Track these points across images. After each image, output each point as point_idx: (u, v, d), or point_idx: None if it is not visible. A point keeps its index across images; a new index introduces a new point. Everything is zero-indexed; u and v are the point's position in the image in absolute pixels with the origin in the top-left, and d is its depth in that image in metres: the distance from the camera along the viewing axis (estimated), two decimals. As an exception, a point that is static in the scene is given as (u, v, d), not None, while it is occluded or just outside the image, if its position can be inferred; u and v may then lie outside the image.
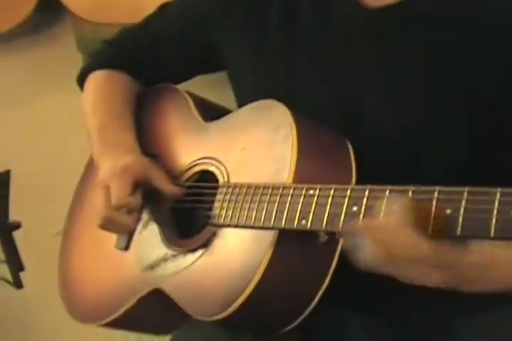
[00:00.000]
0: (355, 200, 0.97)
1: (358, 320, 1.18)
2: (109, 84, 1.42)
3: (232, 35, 1.29)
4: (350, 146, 1.12)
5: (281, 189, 1.07)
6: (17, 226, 1.51)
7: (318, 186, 1.02)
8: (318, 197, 1.02)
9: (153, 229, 1.27)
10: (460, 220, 0.88)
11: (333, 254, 1.06)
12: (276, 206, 1.06)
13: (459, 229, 0.88)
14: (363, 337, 1.18)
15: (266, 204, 1.08)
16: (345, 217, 0.97)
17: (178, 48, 1.40)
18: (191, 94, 1.36)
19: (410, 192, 0.93)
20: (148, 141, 1.35)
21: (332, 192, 1.00)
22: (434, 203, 0.91)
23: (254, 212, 1.09)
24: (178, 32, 1.39)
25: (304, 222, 1.02)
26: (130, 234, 1.30)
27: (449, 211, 0.89)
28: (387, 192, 0.95)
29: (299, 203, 1.03)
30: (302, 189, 1.04)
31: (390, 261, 0.92)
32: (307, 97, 1.20)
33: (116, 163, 1.25)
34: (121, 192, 1.22)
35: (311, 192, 1.03)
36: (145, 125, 1.39)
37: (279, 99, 1.15)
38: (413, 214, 0.91)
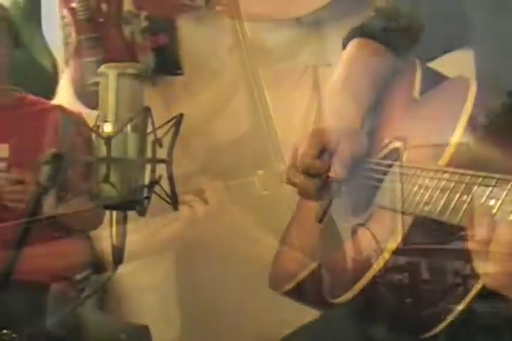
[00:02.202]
0: (468, 189, 0.81)
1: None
2: (359, 53, 1.38)
3: None
4: None
5: (431, 172, 0.94)
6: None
7: (451, 169, 0.88)
8: (447, 182, 0.87)
9: (340, 202, 1.20)
10: None
11: None
12: (416, 189, 0.94)
13: None
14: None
15: (414, 187, 0.96)
16: (454, 207, 0.82)
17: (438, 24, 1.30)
18: (424, 69, 1.26)
19: None
20: (376, 115, 1.28)
21: (457, 177, 0.85)
22: None
23: (402, 195, 0.98)
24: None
25: (426, 207, 0.89)
26: (326, 207, 1.25)
27: None
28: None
29: (430, 188, 0.90)
30: (442, 172, 0.90)
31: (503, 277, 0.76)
32: None
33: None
34: (306, 153, 1.16)
35: (446, 175, 0.89)
36: (382, 99, 1.32)
37: None
38: None
